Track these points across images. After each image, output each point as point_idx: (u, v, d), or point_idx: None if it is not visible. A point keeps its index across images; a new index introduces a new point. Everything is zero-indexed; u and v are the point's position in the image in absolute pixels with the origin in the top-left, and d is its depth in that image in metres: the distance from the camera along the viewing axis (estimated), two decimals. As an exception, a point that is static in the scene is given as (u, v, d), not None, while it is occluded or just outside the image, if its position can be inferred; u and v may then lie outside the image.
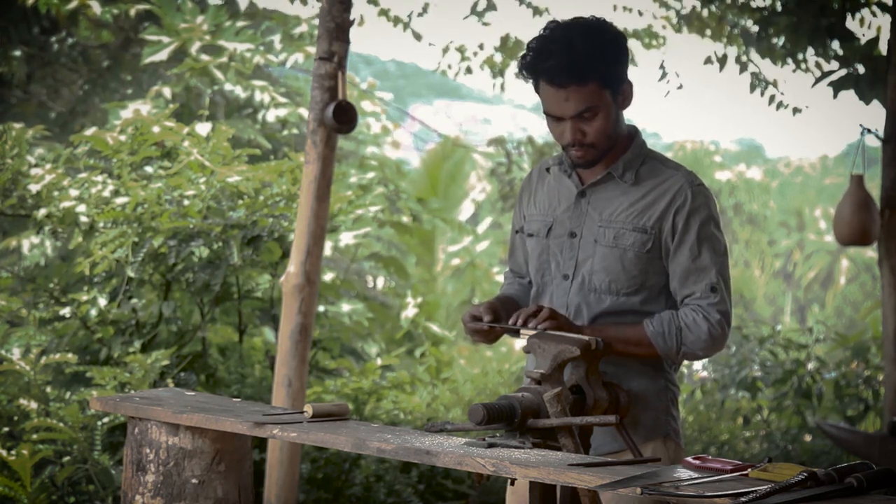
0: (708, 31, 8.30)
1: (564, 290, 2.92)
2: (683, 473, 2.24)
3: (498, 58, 9.11)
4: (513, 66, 9.15)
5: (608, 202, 2.90)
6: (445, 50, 9.19)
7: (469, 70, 9.20)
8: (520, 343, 2.82)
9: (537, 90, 2.87)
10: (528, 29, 9.35)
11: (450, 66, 9.25)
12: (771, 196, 37.72)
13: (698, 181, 2.91)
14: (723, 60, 8.34)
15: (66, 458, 5.25)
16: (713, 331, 2.85)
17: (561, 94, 2.79)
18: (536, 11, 8.73)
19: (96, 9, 10.41)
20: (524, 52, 2.88)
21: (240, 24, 11.35)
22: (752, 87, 8.29)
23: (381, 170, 12.91)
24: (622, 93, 2.86)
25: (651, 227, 2.87)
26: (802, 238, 36.99)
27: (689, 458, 2.34)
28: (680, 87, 8.51)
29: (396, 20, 8.76)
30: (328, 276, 8.01)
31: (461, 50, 9.18)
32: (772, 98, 8.24)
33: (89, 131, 6.78)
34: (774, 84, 8.24)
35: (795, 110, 8.27)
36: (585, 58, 2.76)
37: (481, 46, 9.10)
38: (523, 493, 2.81)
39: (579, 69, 2.76)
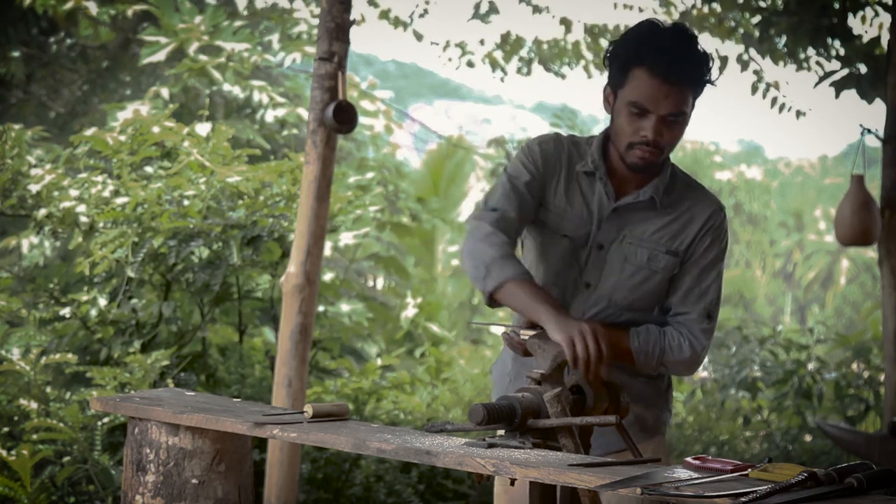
0: (708, 31, 8.29)
1: (584, 300, 2.88)
2: (683, 473, 2.24)
3: (499, 54, 9.09)
4: (514, 63, 9.13)
5: (640, 221, 2.87)
6: (446, 46, 9.17)
7: (471, 64, 9.17)
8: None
9: (623, 79, 2.77)
10: (528, 27, 9.38)
11: (450, 59, 9.23)
12: (771, 196, 37.78)
13: (723, 205, 2.94)
14: (724, 61, 8.33)
15: (66, 458, 5.25)
16: (695, 356, 2.86)
17: (663, 89, 2.72)
18: (536, 9, 8.73)
19: (93, 10, 10.42)
20: (621, 39, 2.81)
21: (238, 23, 11.35)
22: (754, 90, 8.28)
23: (380, 170, 12.92)
24: (692, 108, 2.83)
25: (682, 252, 2.87)
26: (802, 238, 37.05)
27: (689, 459, 2.34)
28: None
29: (397, 21, 8.76)
30: (328, 276, 8.01)
31: (462, 46, 9.16)
32: (774, 100, 8.23)
33: (89, 131, 6.79)
34: (776, 86, 8.23)
35: (799, 113, 8.25)
36: (697, 64, 2.75)
37: (482, 42, 9.09)
38: (522, 493, 2.81)
39: (690, 72, 2.74)
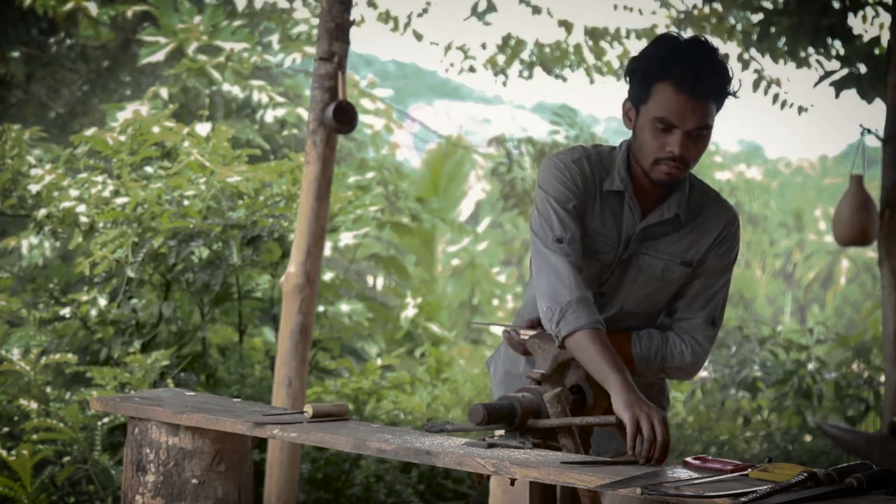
0: (708, 30, 8.29)
1: (600, 307, 2.86)
2: (683, 473, 2.24)
3: (500, 58, 9.09)
4: (515, 65, 9.13)
5: (658, 234, 2.86)
6: (447, 48, 9.17)
7: (472, 69, 9.16)
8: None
9: (646, 94, 2.73)
10: (529, 28, 9.37)
11: (452, 65, 9.22)
12: (771, 196, 37.76)
13: (737, 213, 2.93)
14: (724, 59, 8.32)
15: (66, 458, 5.24)
16: (696, 363, 2.86)
17: (689, 104, 2.68)
18: (536, 10, 8.72)
19: (93, 10, 10.42)
20: (642, 55, 2.77)
21: (237, 23, 11.36)
22: (756, 86, 8.27)
23: (380, 170, 12.93)
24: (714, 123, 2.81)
25: (697, 262, 2.86)
26: (802, 238, 37.04)
27: (689, 459, 2.34)
28: None
29: (396, 23, 8.75)
30: (328, 276, 8.01)
31: (464, 50, 9.16)
32: (776, 97, 8.22)
33: (89, 131, 6.79)
34: (777, 83, 8.21)
35: (801, 109, 8.24)
36: (721, 76, 2.72)
37: (484, 46, 9.08)
38: (521, 494, 2.81)
39: (715, 85, 2.71)
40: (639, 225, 2.83)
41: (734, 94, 2.78)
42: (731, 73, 2.76)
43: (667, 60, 2.71)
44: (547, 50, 9.06)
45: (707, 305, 2.88)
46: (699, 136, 2.72)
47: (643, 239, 2.85)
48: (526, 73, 9.15)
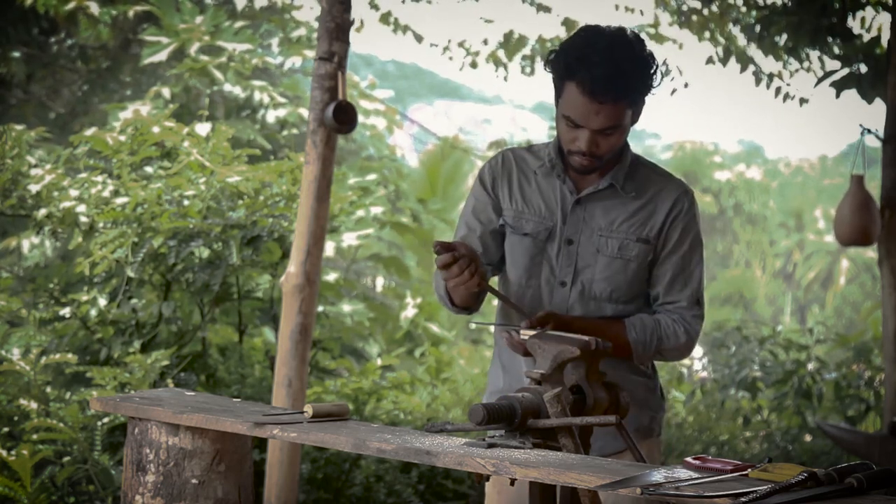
0: (707, 33, 8.28)
1: (563, 297, 2.90)
2: (683, 473, 2.24)
3: (501, 54, 9.08)
4: (516, 62, 9.12)
5: (606, 211, 2.89)
6: (448, 46, 9.15)
7: (474, 64, 9.15)
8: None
9: (560, 89, 2.78)
10: (531, 26, 9.36)
11: (451, 59, 9.20)
12: (771, 196, 37.77)
13: (690, 189, 2.95)
14: (726, 57, 8.32)
15: (66, 458, 5.24)
16: (690, 343, 2.90)
17: (593, 107, 2.72)
18: (540, 8, 8.72)
19: (94, 10, 10.43)
20: (559, 49, 2.79)
21: (239, 24, 11.37)
22: (758, 80, 8.26)
23: (381, 171, 12.94)
24: (639, 111, 2.84)
25: (653, 238, 2.88)
26: (802, 238, 37.05)
27: (689, 458, 2.34)
28: (686, 85, 8.47)
29: (396, 23, 8.74)
30: (331, 277, 8.01)
31: (465, 47, 9.15)
32: (778, 90, 8.21)
33: (89, 131, 6.79)
34: (780, 76, 8.20)
35: (802, 101, 8.23)
36: (629, 80, 2.72)
37: (485, 42, 9.08)
38: (516, 495, 2.82)
39: (621, 90, 2.71)
40: (574, 197, 2.89)
41: (650, 90, 2.79)
42: (652, 68, 2.77)
43: (574, 62, 2.73)
44: (549, 45, 9.06)
45: (687, 286, 2.90)
46: (610, 133, 2.77)
47: (588, 217, 2.88)
48: (528, 69, 9.13)
